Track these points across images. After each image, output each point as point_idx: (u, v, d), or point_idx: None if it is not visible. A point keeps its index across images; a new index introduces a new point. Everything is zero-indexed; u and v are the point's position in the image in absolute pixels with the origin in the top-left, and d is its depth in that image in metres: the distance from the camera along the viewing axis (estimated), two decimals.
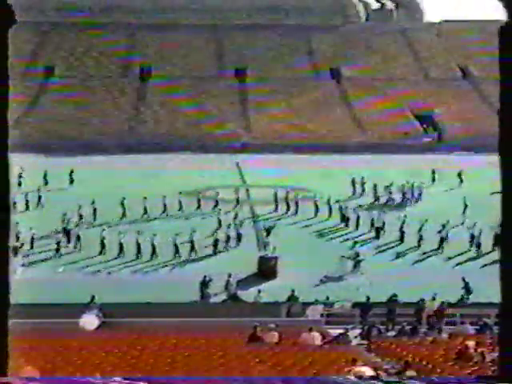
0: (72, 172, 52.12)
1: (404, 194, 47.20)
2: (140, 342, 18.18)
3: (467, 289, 27.11)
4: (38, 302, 24.76)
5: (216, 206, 43.76)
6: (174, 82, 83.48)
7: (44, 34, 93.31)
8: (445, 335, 21.21)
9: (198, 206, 44.50)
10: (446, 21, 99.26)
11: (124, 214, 41.72)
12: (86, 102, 77.77)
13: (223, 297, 28.36)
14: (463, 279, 27.71)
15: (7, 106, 5.79)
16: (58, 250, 34.51)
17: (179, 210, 43.51)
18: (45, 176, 50.76)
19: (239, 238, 36.50)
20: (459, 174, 52.31)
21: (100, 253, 34.51)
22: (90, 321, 21.99)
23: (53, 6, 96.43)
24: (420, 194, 47.65)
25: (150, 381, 9.33)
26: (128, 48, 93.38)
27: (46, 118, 74.68)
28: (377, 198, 46.84)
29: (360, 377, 10.76)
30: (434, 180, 52.88)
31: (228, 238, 35.90)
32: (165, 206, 42.73)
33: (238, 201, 45.09)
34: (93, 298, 24.67)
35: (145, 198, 42.27)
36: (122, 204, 42.00)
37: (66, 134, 70.90)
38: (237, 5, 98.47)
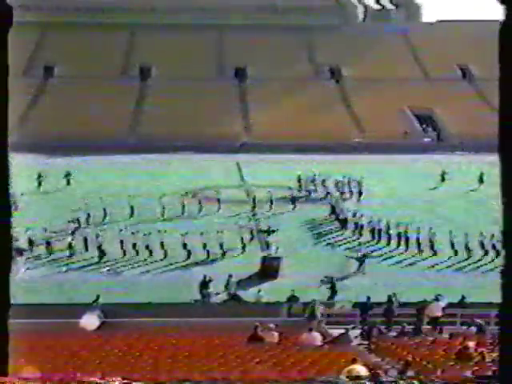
0: (69, 174, 51.34)
1: (339, 189, 47.94)
2: (140, 342, 18.18)
3: (333, 289, 27.37)
4: (38, 302, 24.76)
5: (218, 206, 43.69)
6: (173, 82, 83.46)
7: (44, 33, 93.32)
8: (445, 335, 21.20)
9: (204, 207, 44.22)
10: (446, 21, 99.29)
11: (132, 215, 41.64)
12: (86, 102, 77.69)
13: (224, 297, 28.31)
14: (331, 278, 27.96)
15: (7, 106, 5.78)
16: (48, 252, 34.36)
17: (180, 211, 43.36)
18: (39, 177, 49.90)
19: (241, 239, 36.43)
20: (481, 175, 50.95)
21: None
22: (90, 321, 21.98)
23: (53, 6, 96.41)
24: (360, 191, 47.87)
25: (150, 381, 9.32)
26: (128, 48, 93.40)
27: (45, 118, 74.64)
28: (309, 192, 47.97)
29: (355, 376, 10.75)
30: (443, 180, 52.77)
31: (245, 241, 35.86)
32: (183, 206, 42.45)
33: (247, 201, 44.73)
34: (97, 297, 24.65)
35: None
36: (162, 205, 41.71)
37: (66, 134, 70.79)
38: (237, 5, 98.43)
